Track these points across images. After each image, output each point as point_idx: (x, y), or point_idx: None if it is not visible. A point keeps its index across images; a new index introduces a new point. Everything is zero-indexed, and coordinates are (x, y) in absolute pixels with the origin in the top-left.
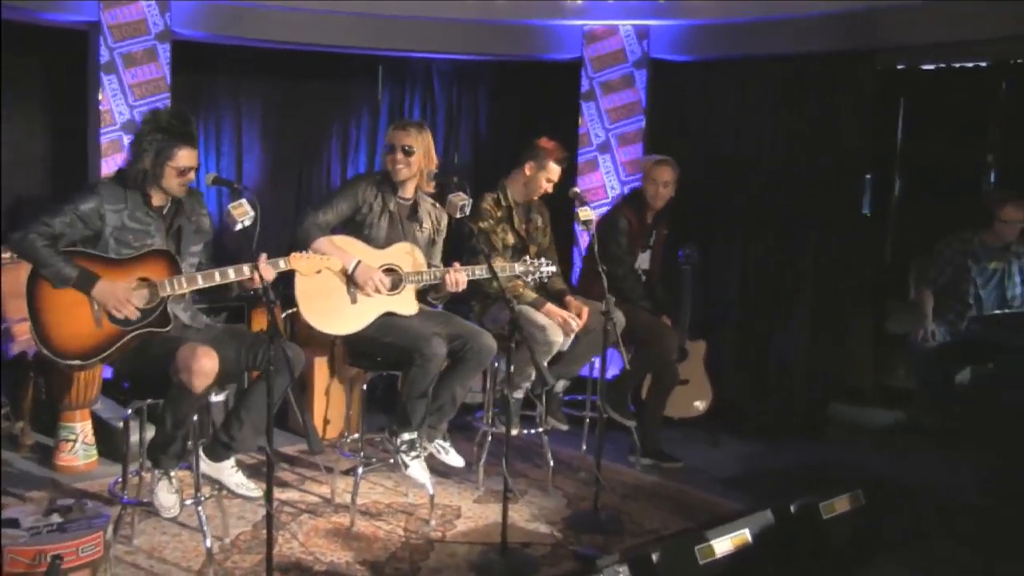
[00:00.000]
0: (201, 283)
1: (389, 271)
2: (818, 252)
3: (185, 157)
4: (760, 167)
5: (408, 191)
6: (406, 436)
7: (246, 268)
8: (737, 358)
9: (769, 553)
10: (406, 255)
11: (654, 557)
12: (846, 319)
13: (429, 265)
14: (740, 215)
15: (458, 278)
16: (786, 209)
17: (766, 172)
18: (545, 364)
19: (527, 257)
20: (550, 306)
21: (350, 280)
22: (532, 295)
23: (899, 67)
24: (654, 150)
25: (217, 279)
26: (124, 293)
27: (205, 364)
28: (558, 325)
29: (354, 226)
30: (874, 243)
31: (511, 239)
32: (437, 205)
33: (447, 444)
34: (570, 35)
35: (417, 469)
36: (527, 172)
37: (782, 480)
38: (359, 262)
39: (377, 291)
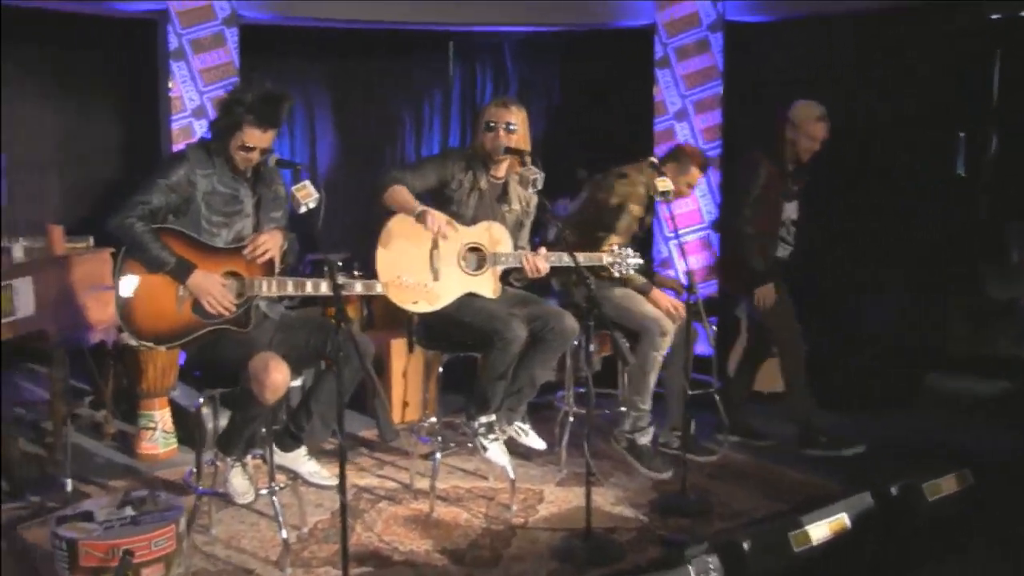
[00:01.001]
0: (290, 289)
1: (473, 250)
2: (910, 215)
3: (251, 136)
4: (846, 128)
5: (500, 170)
6: (484, 419)
7: (324, 286)
8: (828, 329)
9: (869, 539)
10: (492, 234)
11: (745, 545)
12: (942, 284)
13: (515, 247)
14: (827, 178)
15: (538, 264)
16: (876, 171)
17: (853, 133)
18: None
19: (614, 247)
20: (657, 292)
21: (420, 219)
22: (640, 278)
23: (993, 16)
24: (732, 115)
25: (309, 289)
26: (219, 289)
27: (276, 379)
28: (666, 314)
29: (441, 200)
30: (970, 204)
31: (635, 226)
32: (528, 188)
33: (527, 426)
34: (641, 1)
35: (496, 452)
36: (668, 175)
37: (879, 457)
38: (425, 209)
39: (445, 231)
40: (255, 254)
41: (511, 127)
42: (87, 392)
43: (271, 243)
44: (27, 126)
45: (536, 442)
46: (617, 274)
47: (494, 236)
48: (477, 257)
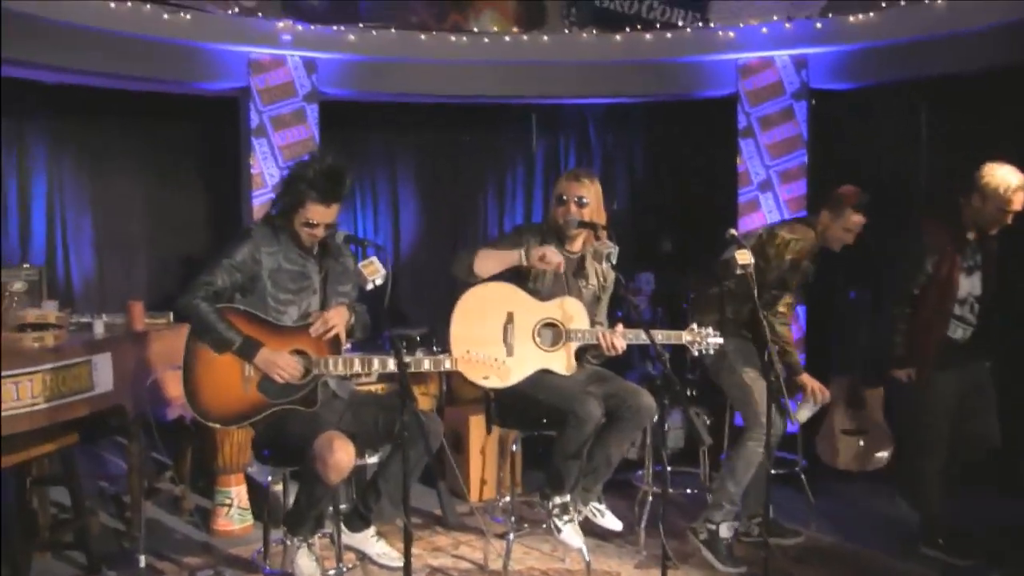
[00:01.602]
0: (357, 367)
1: (549, 326)
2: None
3: (315, 212)
4: (934, 198)
5: (576, 245)
6: (558, 499)
7: (391, 363)
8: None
9: None
10: (569, 310)
11: None
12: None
13: (592, 323)
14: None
15: (615, 341)
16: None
17: (940, 203)
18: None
19: (694, 325)
20: (806, 376)
21: (525, 258)
22: (795, 355)
23: None
24: (817, 185)
25: (376, 367)
26: (286, 360)
27: (341, 459)
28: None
29: (518, 277)
30: None
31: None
32: (604, 263)
33: (603, 507)
34: (724, 70)
35: (570, 533)
36: (823, 221)
37: (978, 539)
38: (528, 248)
39: (552, 261)
40: (320, 331)
41: (583, 201)
42: (167, 467)
43: (336, 319)
44: (115, 202)
45: (613, 523)
46: (696, 353)
47: (569, 311)
48: (553, 333)
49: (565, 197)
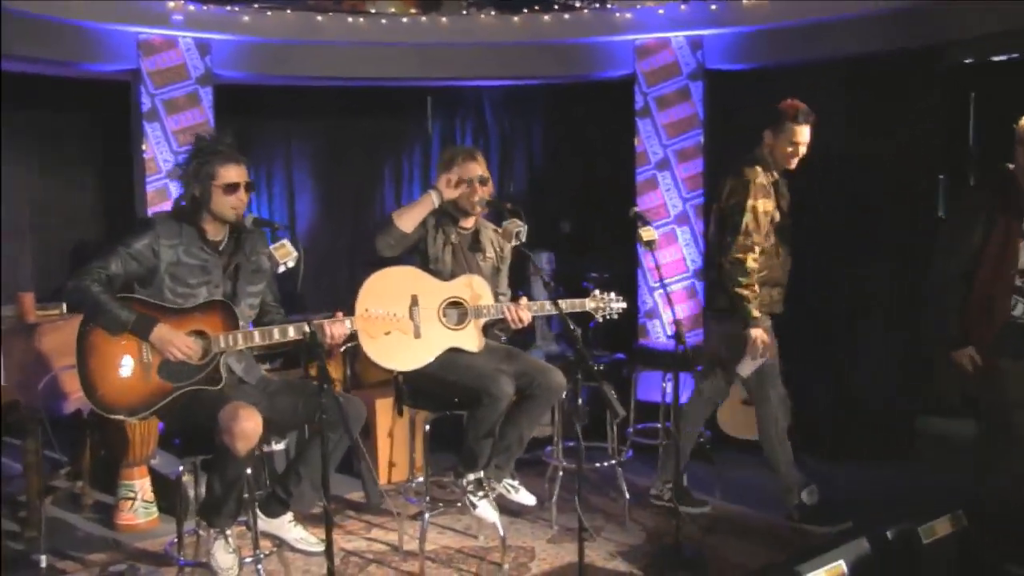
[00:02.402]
0: (257, 340)
1: (454, 304)
2: (893, 257)
3: (231, 173)
4: (827, 174)
5: (469, 221)
6: (472, 476)
7: (292, 330)
8: (817, 375)
9: None
10: (472, 287)
11: None
12: (929, 328)
13: (496, 295)
14: (808, 225)
15: (521, 315)
16: (858, 216)
17: (834, 179)
18: None
19: (596, 291)
20: (753, 329)
21: (438, 195)
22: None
23: (967, 61)
24: (714, 164)
25: (276, 336)
26: (182, 339)
27: (247, 427)
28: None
29: (423, 257)
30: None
31: (778, 216)
32: (499, 230)
33: (516, 483)
34: (621, 51)
35: (486, 509)
36: (766, 142)
37: (873, 503)
38: (437, 190)
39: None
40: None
41: (484, 179)
42: (64, 464)
43: (338, 331)
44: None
45: (527, 498)
46: (600, 319)
47: (475, 290)
48: (458, 312)
49: (467, 178)
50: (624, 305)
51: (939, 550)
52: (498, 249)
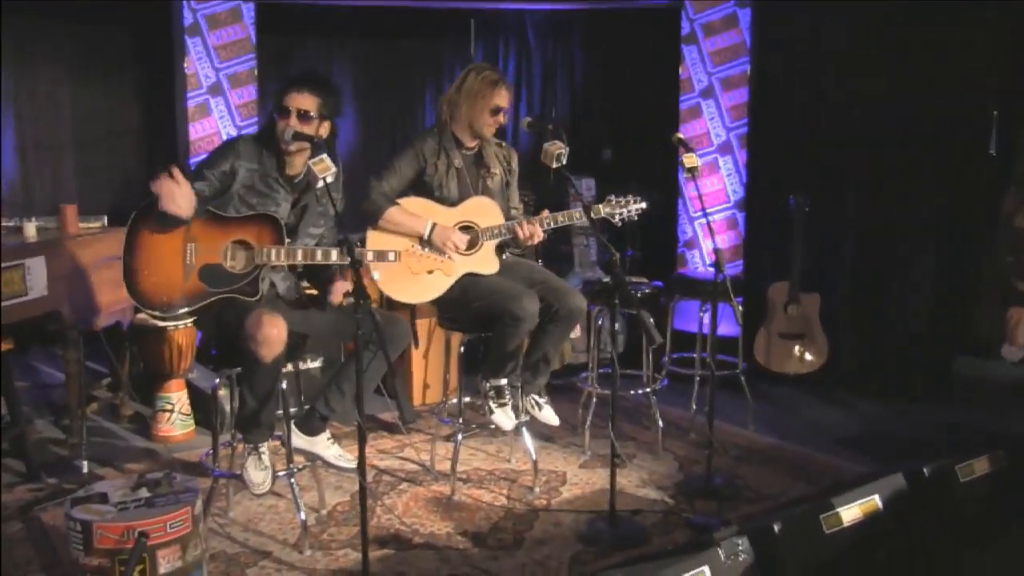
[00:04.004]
0: (300, 259)
1: (465, 228)
2: (939, 196)
3: (291, 99)
4: (876, 107)
5: (474, 141)
6: (495, 382)
7: (335, 253)
8: (854, 311)
9: (901, 521)
10: (481, 209)
11: (775, 527)
12: (970, 267)
13: (507, 209)
14: (854, 160)
15: (533, 230)
16: (906, 152)
17: (883, 112)
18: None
19: (611, 197)
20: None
21: (427, 245)
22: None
23: None
24: (761, 94)
25: (319, 258)
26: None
27: (270, 333)
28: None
29: (424, 188)
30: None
31: None
32: (503, 144)
33: (543, 401)
34: None
35: (501, 416)
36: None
37: (908, 441)
38: (434, 225)
39: (457, 251)
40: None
41: (504, 110)
42: (105, 375)
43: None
44: (43, 106)
45: (551, 417)
46: (619, 223)
47: (484, 211)
48: (470, 236)
49: (498, 106)
50: (643, 205)
51: (975, 489)
52: (504, 164)
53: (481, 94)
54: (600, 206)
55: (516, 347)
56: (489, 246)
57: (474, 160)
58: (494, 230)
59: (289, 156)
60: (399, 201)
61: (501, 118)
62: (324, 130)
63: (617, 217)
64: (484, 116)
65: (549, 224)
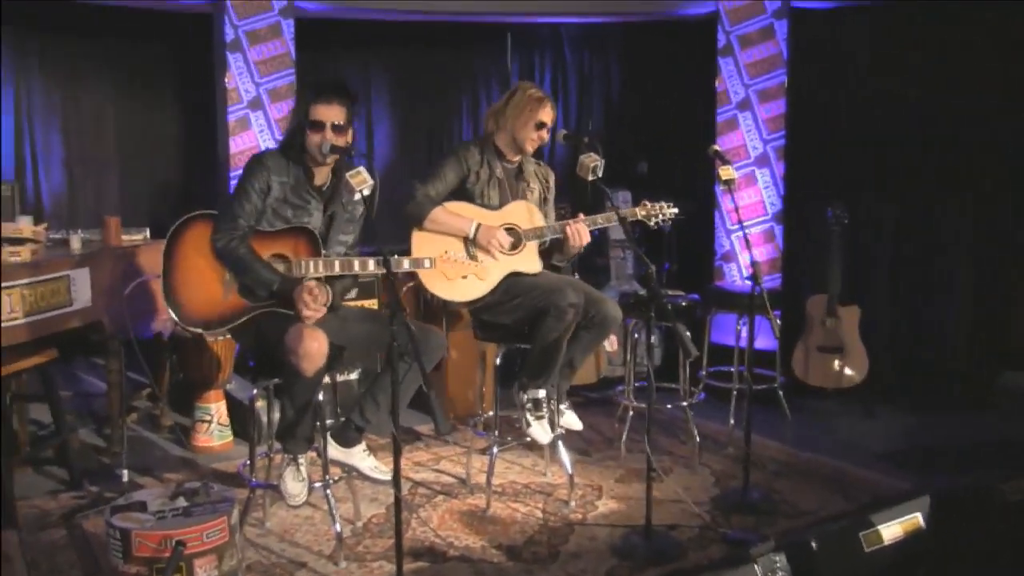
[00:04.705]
0: (337, 270)
1: (508, 230)
2: (979, 206)
3: (316, 111)
4: (915, 117)
5: (516, 156)
6: (532, 394)
7: (372, 263)
8: (892, 323)
9: (945, 540)
10: (523, 213)
11: (813, 544)
12: (1010, 277)
13: None
14: (892, 171)
15: (579, 228)
16: (945, 162)
17: (921, 122)
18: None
19: (646, 201)
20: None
21: (472, 244)
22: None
23: None
24: (798, 105)
25: (356, 268)
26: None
27: (311, 346)
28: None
29: (465, 195)
30: None
31: None
32: (541, 163)
33: (563, 405)
34: None
35: (539, 430)
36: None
37: (950, 456)
38: (479, 224)
39: (501, 249)
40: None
41: (549, 128)
42: (145, 385)
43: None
44: (88, 120)
45: (574, 421)
46: (654, 226)
47: (526, 214)
48: (514, 237)
49: (544, 123)
50: (676, 210)
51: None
52: (543, 180)
53: (528, 109)
54: (636, 210)
55: (557, 345)
56: (532, 246)
57: (515, 173)
58: (538, 230)
59: (317, 167)
60: (444, 204)
61: (544, 134)
62: (349, 137)
63: (652, 221)
64: (528, 131)
65: (590, 226)
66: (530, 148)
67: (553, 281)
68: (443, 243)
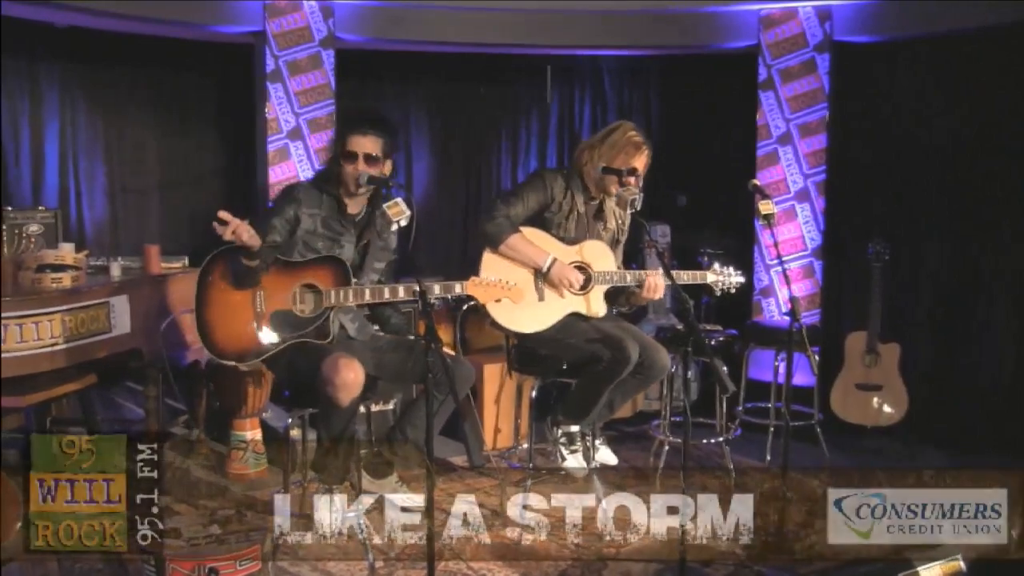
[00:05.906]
0: (368, 298)
1: (579, 267)
2: (1021, 245)
3: (351, 143)
4: (958, 154)
5: (598, 191)
6: (567, 428)
7: (402, 290)
8: (935, 361)
9: None
10: (596, 252)
11: None
12: None
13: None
14: (934, 207)
15: (658, 283)
16: (986, 197)
17: (964, 159)
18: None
19: (716, 265)
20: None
21: (542, 277)
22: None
23: None
24: (840, 140)
25: (387, 295)
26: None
27: (347, 377)
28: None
29: (542, 224)
30: None
31: None
32: (618, 199)
33: (600, 442)
34: (745, 21)
35: (573, 463)
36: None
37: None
38: (554, 259)
39: (571, 289)
40: None
41: (639, 174)
42: (180, 412)
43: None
44: (129, 149)
45: (609, 457)
46: (719, 292)
47: (598, 255)
48: (583, 277)
49: (636, 169)
50: (743, 279)
51: None
52: (619, 221)
53: (623, 152)
54: (707, 272)
55: (601, 391)
56: (599, 289)
57: (595, 211)
58: (608, 275)
59: (351, 198)
60: (521, 229)
61: (631, 181)
62: (387, 168)
63: (719, 287)
64: (612, 176)
65: (673, 281)
66: (613, 190)
67: (614, 330)
68: (513, 271)
